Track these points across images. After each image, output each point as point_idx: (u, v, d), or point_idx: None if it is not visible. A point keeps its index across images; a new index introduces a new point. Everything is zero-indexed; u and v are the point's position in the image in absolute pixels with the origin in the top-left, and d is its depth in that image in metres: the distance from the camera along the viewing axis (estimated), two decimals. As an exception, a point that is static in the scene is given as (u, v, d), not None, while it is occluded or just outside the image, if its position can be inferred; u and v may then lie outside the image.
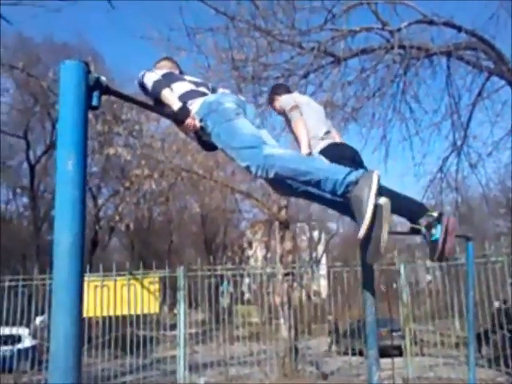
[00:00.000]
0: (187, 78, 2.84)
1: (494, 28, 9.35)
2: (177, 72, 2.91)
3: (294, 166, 2.13)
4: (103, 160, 18.62)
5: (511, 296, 9.20)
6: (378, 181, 1.93)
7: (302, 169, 2.10)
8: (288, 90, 3.78)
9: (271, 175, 2.19)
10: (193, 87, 2.67)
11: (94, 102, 1.82)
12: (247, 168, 2.28)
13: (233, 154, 2.36)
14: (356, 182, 1.96)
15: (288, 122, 3.41)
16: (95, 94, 1.81)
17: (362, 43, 9.17)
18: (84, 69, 1.76)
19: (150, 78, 2.61)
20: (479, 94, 9.56)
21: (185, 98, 2.57)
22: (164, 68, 2.87)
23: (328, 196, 2.15)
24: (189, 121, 2.44)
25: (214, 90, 2.81)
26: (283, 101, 3.46)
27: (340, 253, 28.38)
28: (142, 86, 2.67)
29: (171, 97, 2.48)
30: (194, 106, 2.52)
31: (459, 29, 8.75)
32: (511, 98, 9.30)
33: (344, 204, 2.08)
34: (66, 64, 1.75)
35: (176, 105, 2.45)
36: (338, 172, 2.03)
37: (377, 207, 1.92)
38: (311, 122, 3.29)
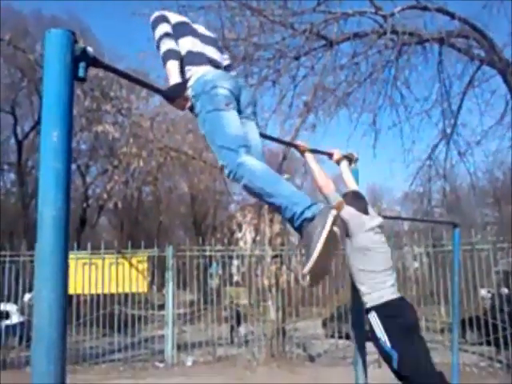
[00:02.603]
0: (200, 30, 2.70)
1: (487, 17, 9.34)
2: (186, 18, 2.73)
3: (261, 185, 2.10)
4: (92, 137, 18.44)
5: (495, 284, 9.34)
6: (335, 221, 1.92)
7: (267, 190, 2.09)
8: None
9: (240, 184, 2.18)
10: (202, 49, 2.54)
11: (81, 74, 1.76)
12: (222, 167, 2.26)
13: (212, 147, 2.32)
14: (312, 219, 1.95)
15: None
16: (82, 64, 1.75)
17: (355, 27, 9.11)
18: (70, 38, 1.70)
19: (159, 34, 2.47)
20: (470, 82, 9.56)
21: (189, 58, 2.47)
22: (173, 12, 2.70)
23: (287, 220, 2.11)
24: (180, 100, 2.36)
25: (226, 68, 2.67)
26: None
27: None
28: (153, 28, 2.52)
29: (173, 72, 2.36)
30: (193, 74, 2.42)
31: (452, 16, 8.69)
32: (501, 88, 9.29)
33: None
34: (51, 32, 1.69)
35: (173, 80, 2.34)
36: (298, 204, 1.99)
37: (330, 234, 1.93)
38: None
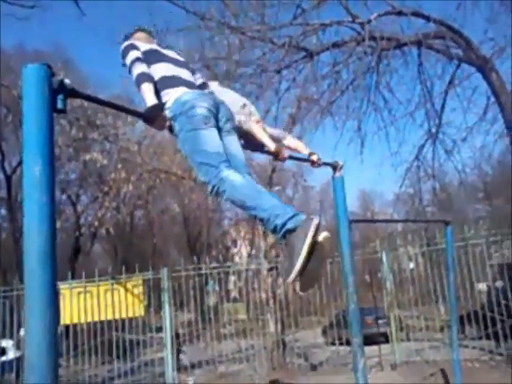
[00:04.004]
0: (170, 54, 2.76)
1: (462, 16, 9.52)
2: (154, 44, 2.79)
3: (242, 199, 2.16)
4: (80, 166, 18.41)
5: (491, 278, 9.40)
6: (317, 229, 1.96)
7: (248, 204, 2.14)
8: None
9: (223, 199, 2.24)
10: (175, 72, 2.61)
11: (59, 105, 1.80)
12: (204, 183, 2.33)
13: (194, 165, 2.39)
14: (294, 230, 2.00)
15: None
16: (60, 97, 1.79)
17: (334, 37, 9.26)
18: (47, 71, 1.74)
19: (131, 59, 2.52)
20: (451, 81, 9.72)
21: (164, 83, 2.53)
22: (141, 40, 2.76)
23: (271, 231, 2.17)
24: (159, 121, 2.40)
25: (200, 87, 2.74)
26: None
27: (324, 245, 28.36)
28: (123, 57, 2.59)
29: (148, 94, 2.41)
30: (170, 97, 2.47)
31: (428, 18, 8.88)
32: (482, 84, 9.46)
33: None
34: (27, 68, 1.73)
35: (150, 102, 2.39)
36: (279, 216, 2.04)
37: (315, 244, 1.97)
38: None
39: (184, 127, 2.39)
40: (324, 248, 2.01)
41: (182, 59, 2.84)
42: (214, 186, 2.25)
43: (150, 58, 2.61)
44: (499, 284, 8.69)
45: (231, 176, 2.22)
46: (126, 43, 2.65)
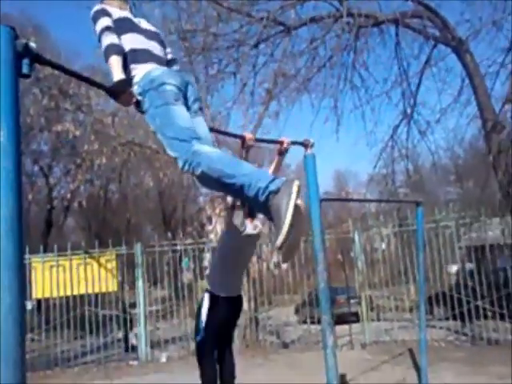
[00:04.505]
0: (142, 24, 2.67)
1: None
2: (127, 11, 2.68)
3: (220, 167, 2.09)
4: (53, 137, 18.00)
5: (459, 260, 9.63)
6: (298, 191, 1.94)
7: (227, 171, 2.08)
8: None
9: (197, 173, 2.16)
10: (146, 45, 2.54)
11: (25, 70, 1.71)
12: (175, 159, 2.26)
13: (164, 141, 2.32)
14: (277, 192, 1.96)
15: None
16: (25, 61, 1.71)
17: (312, 12, 9.16)
18: (10, 34, 1.65)
19: (101, 27, 2.43)
20: (427, 61, 9.76)
21: (133, 56, 2.45)
22: (114, 5, 2.62)
23: (252, 199, 2.09)
24: (125, 96, 2.34)
25: (169, 62, 2.68)
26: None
27: (298, 224, 28.63)
28: (94, 21, 2.49)
29: (116, 68, 2.34)
30: (139, 72, 2.41)
31: (406, -4, 8.86)
32: (457, 66, 9.52)
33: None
34: (-10, 29, 1.64)
35: (117, 76, 2.32)
36: (261, 179, 2.00)
37: (296, 207, 1.94)
38: None
39: (154, 102, 2.33)
40: (303, 215, 1.99)
41: (154, 30, 2.75)
42: (186, 161, 2.18)
43: (122, 26, 2.51)
44: (470, 266, 8.90)
45: (204, 148, 2.18)
46: (97, 7, 2.54)
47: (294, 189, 1.93)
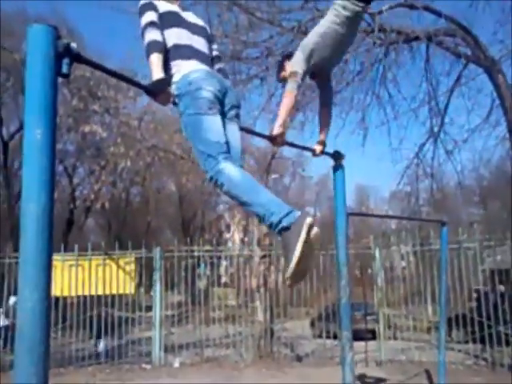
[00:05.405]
0: (189, 18, 2.64)
1: (473, 15, 9.40)
2: (176, 5, 2.64)
3: (238, 194, 2.19)
4: (79, 138, 18.28)
5: (482, 282, 9.42)
6: (310, 228, 2.01)
7: (244, 199, 2.17)
8: None
9: (220, 191, 2.28)
10: (189, 41, 2.51)
11: (64, 70, 1.74)
12: (203, 171, 2.36)
13: (194, 151, 2.39)
14: (288, 228, 2.04)
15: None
16: (65, 61, 1.73)
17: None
18: (53, 33, 1.68)
19: (145, 22, 2.42)
20: (457, 80, 9.64)
21: (175, 52, 2.43)
22: None
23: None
24: (163, 95, 2.33)
25: (214, 59, 2.66)
26: (291, 62, 3.33)
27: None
28: (140, 14, 2.48)
29: (156, 66, 2.32)
30: (180, 69, 2.38)
31: (439, 14, 8.77)
32: (488, 85, 9.39)
33: None
34: (33, 28, 1.67)
35: (156, 75, 2.30)
36: (274, 213, 2.08)
37: (306, 243, 2.02)
38: None
39: (187, 109, 2.33)
40: (313, 245, 2.06)
41: (201, 24, 2.73)
42: (212, 177, 2.26)
43: (167, 20, 2.49)
44: (502, 289, 8.70)
45: (228, 169, 2.23)
46: (145, 0, 2.51)
47: (305, 227, 2.00)
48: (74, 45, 1.75)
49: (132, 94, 10.85)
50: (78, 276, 9.15)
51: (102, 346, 9.28)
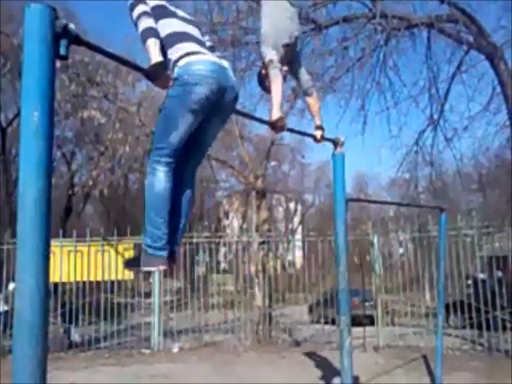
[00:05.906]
0: (178, 12, 2.65)
1: (476, 1, 9.32)
2: (163, 1, 2.64)
3: (147, 202, 2.39)
4: (77, 124, 18.19)
5: (480, 269, 9.47)
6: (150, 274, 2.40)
7: (148, 210, 2.39)
8: None
9: (145, 183, 2.43)
10: (184, 28, 2.51)
11: (62, 51, 1.71)
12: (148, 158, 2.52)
13: (155, 135, 2.48)
14: (146, 253, 2.46)
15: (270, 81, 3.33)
16: (63, 42, 1.71)
17: (344, 11, 9.07)
18: (51, 14, 1.65)
19: (138, 13, 2.43)
20: (458, 67, 9.58)
21: (171, 39, 2.43)
22: None
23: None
24: (162, 79, 2.32)
25: (210, 49, 2.61)
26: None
27: (316, 224, 28.67)
28: (131, 10, 2.49)
29: (153, 50, 2.31)
30: (179, 52, 2.37)
31: (441, 0, 8.70)
32: (489, 72, 9.33)
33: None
34: (31, 7, 1.64)
35: (154, 59, 2.29)
36: (152, 239, 2.39)
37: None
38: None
39: (173, 100, 2.33)
40: None
41: (190, 18, 2.74)
42: (150, 171, 2.37)
43: (159, 13, 2.50)
44: (499, 274, 8.73)
45: (159, 176, 2.35)
46: None
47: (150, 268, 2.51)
48: (72, 26, 1.72)
49: (130, 80, 10.77)
50: (77, 262, 9.17)
51: (74, 334, 9.06)
